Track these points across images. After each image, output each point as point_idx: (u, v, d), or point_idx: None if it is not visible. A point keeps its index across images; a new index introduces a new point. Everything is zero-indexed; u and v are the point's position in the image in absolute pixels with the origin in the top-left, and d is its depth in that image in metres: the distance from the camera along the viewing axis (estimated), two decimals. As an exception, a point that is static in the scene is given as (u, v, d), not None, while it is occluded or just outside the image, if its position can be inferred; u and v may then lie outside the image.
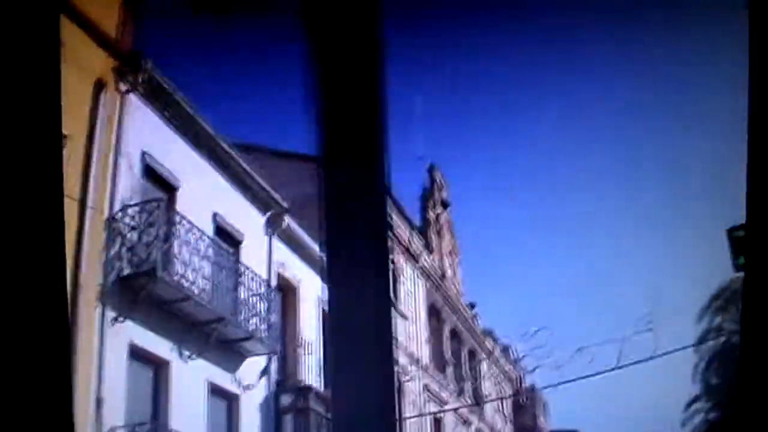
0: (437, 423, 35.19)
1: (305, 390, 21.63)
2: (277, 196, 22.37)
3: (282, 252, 23.13)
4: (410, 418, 30.91)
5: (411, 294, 34.55)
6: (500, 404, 48.41)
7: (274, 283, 22.09)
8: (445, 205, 43.10)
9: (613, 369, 22.88)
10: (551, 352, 23.69)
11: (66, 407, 2.69)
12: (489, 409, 45.35)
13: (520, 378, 52.45)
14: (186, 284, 17.63)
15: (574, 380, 25.15)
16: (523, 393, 53.07)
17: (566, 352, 23.38)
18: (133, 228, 16.70)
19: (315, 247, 24.59)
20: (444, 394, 36.26)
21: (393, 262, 32.53)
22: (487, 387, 44.77)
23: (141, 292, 16.38)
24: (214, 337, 18.41)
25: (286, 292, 23.67)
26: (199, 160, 19.75)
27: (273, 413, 21.12)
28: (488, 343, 46.06)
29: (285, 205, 22.57)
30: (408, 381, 31.32)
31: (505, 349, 48.60)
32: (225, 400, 19.75)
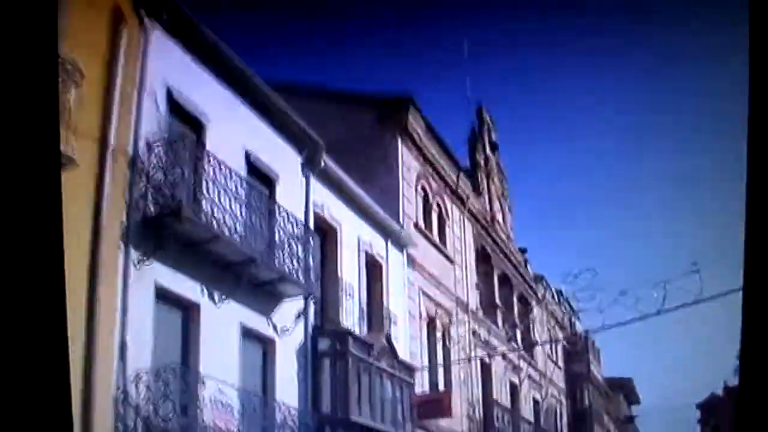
0: (485, 368, 34.53)
1: (344, 334, 20.99)
2: (313, 134, 21.57)
3: (321, 193, 22.41)
4: (457, 362, 30.27)
5: (459, 238, 33.72)
6: (551, 351, 47.64)
7: (312, 224, 21.41)
8: (494, 147, 42.05)
9: (657, 312, 21.89)
10: (594, 295, 22.68)
11: (64, 400, 2.69)
12: (540, 355, 44.63)
13: (572, 324, 51.60)
14: (215, 224, 17.02)
15: (616, 325, 24.23)
16: (574, 339, 52.28)
17: (610, 295, 22.31)
18: (158, 167, 16.04)
19: (356, 189, 23.88)
20: (493, 340, 35.54)
21: (439, 205, 31.70)
22: (538, 333, 43.97)
23: (166, 232, 15.74)
24: (245, 278, 17.78)
25: (325, 234, 23.00)
26: (230, 96, 18.99)
27: (310, 358, 20.55)
28: (539, 289, 45.17)
29: (322, 143, 21.75)
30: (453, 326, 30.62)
31: (556, 295, 47.66)
32: (260, 344, 19.20)
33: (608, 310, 23.40)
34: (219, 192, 17.41)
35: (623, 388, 71.83)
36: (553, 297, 48.07)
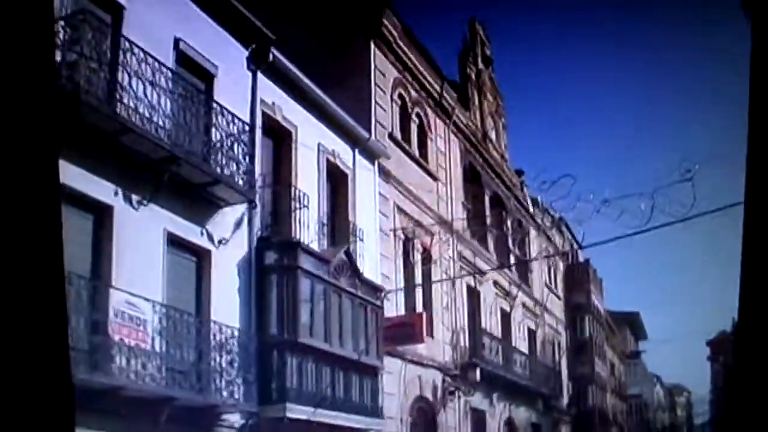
0: (472, 294, 32.47)
1: (292, 246, 18.80)
2: (261, 26, 19.21)
3: (272, 92, 20.11)
4: (438, 284, 28.18)
5: (443, 153, 31.43)
6: (549, 279, 45.56)
7: (259, 125, 19.18)
8: (487, 62, 39.55)
9: (647, 229, 19.56)
10: (573, 204, 20.33)
11: (64, 401, 2.73)
12: (536, 283, 42.56)
13: (573, 252, 49.47)
14: (136, 119, 14.81)
15: (603, 242, 21.97)
16: (574, 266, 50.27)
17: (592, 205, 19.90)
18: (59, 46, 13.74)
19: (315, 90, 21.59)
20: (482, 265, 33.41)
21: (420, 116, 29.39)
22: (535, 259, 41.82)
23: (65, 122, 13.48)
24: (168, 180, 15.57)
25: (279, 138, 20.76)
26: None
27: (255, 273, 18.43)
28: (536, 214, 42.92)
29: (270, 35, 19.41)
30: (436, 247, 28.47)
31: (556, 220, 45.37)
32: (192, 255, 17.11)
33: (590, 221, 21.04)
34: (142, 85, 15.19)
35: (630, 323, 70.08)
36: (552, 222, 45.79)
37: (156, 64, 15.55)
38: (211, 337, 16.57)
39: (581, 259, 51.52)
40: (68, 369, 2.79)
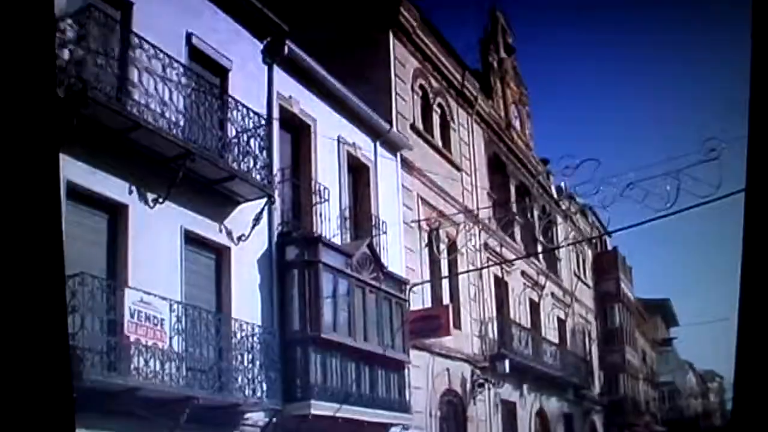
0: (500, 284, 32.07)
1: (313, 240, 18.51)
2: (274, 17, 18.91)
3: (289, 85, 19.83)
4: (464, 274, 27.81)
5: (467, 143, 31.03)
6: (578, 267, 45.01)
7: (276, 119, 18.90)
8: (509, 50, 39.06)
9: (673, 213, 19.05)
10: (597, 188, 19.87)
11: (65, 400, 2.69)
12: (564, 272, 42.05)
13: (601, 239, 48.88)
14: (149, 116, 14.56)
15: (629, 227, 21.48)
16: (603, 254, 49.67)
17: (616, 188, 19.42)
18: (61, 44, 13.50)
19: (333, 82, 21.28)
20: (509, 255, 32.99)
21: (441, 106, 29.02)
22: (563, 248, 41.33)
23: (76, 120, 13.22)
24: (184, 177, 15.28)
25: (297, 131, 20.48)
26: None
27: (275, 269, 18.16)
28: (563, 202, 42.35)
29: (285, 27, 19.12)
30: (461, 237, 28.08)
31: (584, 210, 44.75)
32: (211, 252, 16.86)
33: (616, 206, 20.57)
34: (152, 80, 14.94)
35: (661, 310, 69.34)
36: (581, 210, 45.18)
37: (167, 59, 15.29)
38: (232, 334, 16.33)
39: (609, 246, 50.91)
40: (68, 369, 2.76)
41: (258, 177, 16.99)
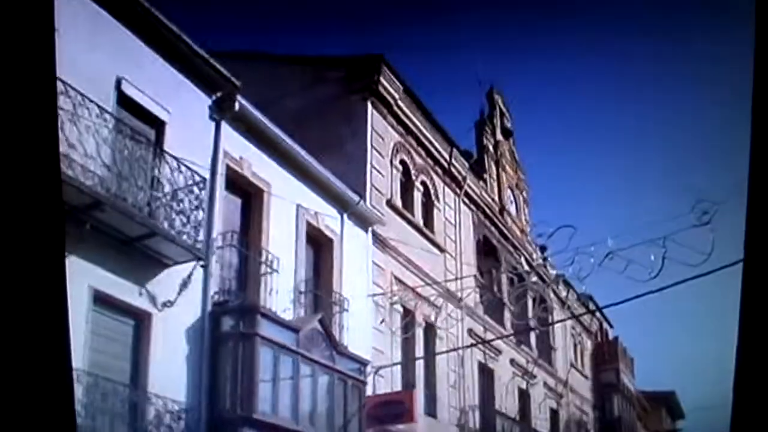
0: (485, 372, 30.17)
1: (251, 311, 16.85)
2: (225, 72, 17.67)
3: (240, 146, 18.48)
4: (438, 354, 25.97)
5: (453, 224, 29.52)
6: (575, 358, 42.99)
7: (222, 177, 17.50)
8: (506, 133, 37.83)
9: (660, 290, 17.33)
10: (572, 259, 18.26)
11: (65, 400, 2.69)
12: (560, 362, 40.02)
13: (602, 329, 46.96)
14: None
15: (614, 304, 19.78)
16: (603, 344, 47.69)
17: (596, 258, 17.81)
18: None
19: (292, 145, 19.93)
20: (497, 342, 31.12)
21: (425, 184, 27.63)
22: (559, 338, 39.44)
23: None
24: (90, 229, 13.73)
25: (248, 195, 19.04)
26: (95, 11, 15.22)
27: (207, 341, 16.49)
28: (561, 291, 40.61)
29: (237, 83, 17.86)
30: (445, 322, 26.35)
31: (581, 298, 42.95)
32: (129, 318, 15.25)
33: (593, 277, 18.91)
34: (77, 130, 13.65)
35: (666, 402, 66.95)
36: (579, 299, 43.38)
37: (85, 101, 13.98)
38: (151, 412, 14.64)
39: (610, 336, 49.11)
40: (69, 369, 2.78)
41: (185, 238, 15.47)
